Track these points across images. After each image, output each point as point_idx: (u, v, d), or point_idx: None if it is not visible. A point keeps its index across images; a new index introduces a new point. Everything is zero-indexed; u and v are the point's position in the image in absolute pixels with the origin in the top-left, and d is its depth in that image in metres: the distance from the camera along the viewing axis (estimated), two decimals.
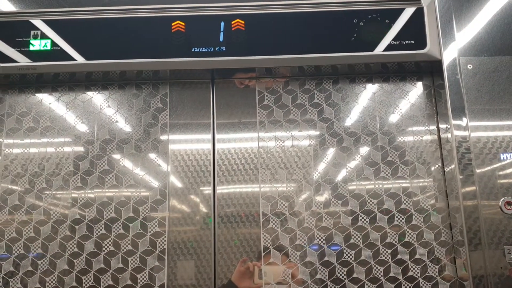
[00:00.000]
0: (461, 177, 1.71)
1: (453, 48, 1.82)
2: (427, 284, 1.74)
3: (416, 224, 1.80)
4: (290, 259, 1.78)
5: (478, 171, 1.70)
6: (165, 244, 1.80)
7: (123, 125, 1.94)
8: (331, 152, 1.89)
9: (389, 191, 1.84)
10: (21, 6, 1.95)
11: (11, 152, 1.91)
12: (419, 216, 1.81)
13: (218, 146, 1.91)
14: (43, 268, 1.79)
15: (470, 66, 1.80)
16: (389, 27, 1.84)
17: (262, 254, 1.79)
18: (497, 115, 1.75)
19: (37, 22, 1.87)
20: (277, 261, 1.78)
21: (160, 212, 1.83)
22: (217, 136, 1.92)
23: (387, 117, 1.92)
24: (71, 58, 1.84)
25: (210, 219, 1.82)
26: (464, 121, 1.74)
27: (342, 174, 1.86)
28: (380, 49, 1.83)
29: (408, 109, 1.92)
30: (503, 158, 1.72)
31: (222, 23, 1.84)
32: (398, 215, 1.81)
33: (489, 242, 1.64)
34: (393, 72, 1.95)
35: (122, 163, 1.89)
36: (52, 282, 1.78)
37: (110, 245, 1.80)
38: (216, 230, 1.82)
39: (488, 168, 1.70)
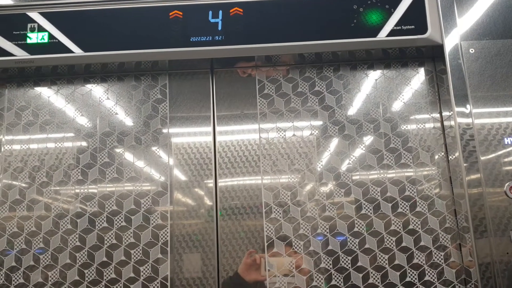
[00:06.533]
0: (465, 164, 1.69)
1: (455, 32, 1.80)
2: (432, 271, 1.73)
3: (420, 211, 1.78)
4: (294, 249, 1.76)
5: (482, 158, 1.68)
6: (167, 236, 1.79)
7: (123, 117, 1.92)
8: (333, 140, 1.87)
9: (393, 179, 1.82)
10: None
11: (11, 146, 1.90)
12: (423, 203, 1.79)
13: (219, 138, 1.89)
14: (45, 263, 1.78)
15: (472, 50, 1.78)
16: (389, 12, 1.82)
17: (266, 244, 1.77)
18: (500, 101, 1.73)
19: (34, 15, 1.85)
20: (281, 251, 1.76)
21: (162, 204, 1.82)
22: (217, 128, 1.90)
23: (389, 104, 1.90)
24: (69, 51, 1.82)
25: (215, 212, 1.80)
26: (467, 108, 1.72)
27: (345, 162, 1.85)
28: (380, 34, 1.81)
29: (411, 95, 1.90)
30: (507, 143, 1.70)
31: (220, 12, 1.82)
32: (402, 202, 1.79)
33: (495, 228, 1.63)
34: (394, 58, 1.93)
35: (123, 155, 1.88)
36: (54, 276, 1.77)
37: (112, 238, 1.79)
38: (219, 223, 1.80)
39: (493, 155, 1.69)
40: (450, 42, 1.79)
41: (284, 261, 1.76)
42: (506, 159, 1.68)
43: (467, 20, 1.81)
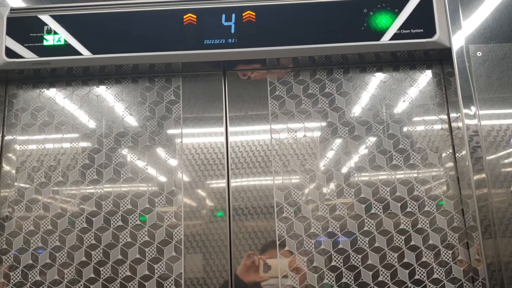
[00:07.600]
0: (472, 165, 1.72)
1: (462, 35, 1.83)
2: (441, 270, 1.76)
3: (428, 211, 1.82)
4: (300, 250, 1.79)
5: (489, 158, 1.71)
6: (181, 235, 1.82)
7: (137, 118, 1.96)
8: (343, 141, 1.91)
9: (402, 179, 1.85)
10: (34, 2, 1.97)
11: (26, 146, 1.93)
12: (432, 203, 1.82)
13: (231, 138, 1.93)
14: (61, 261, 1.81)
15: (479, 54, 1.81)
16: (398, 15, 1.85)
17: (277, 243, 1.80)
18: (507, 103, 1.76)
19: (50, 18, 1.88)
20: (293, 251, 1.79)
21: (176, 203, 1.85)
22: (230, 129, 1.94)
23: (398, 106, 1.93)
24: (84, 53, 1.85)
25: (227, 211, 1.84)
26: (473, 110, 1.76)
27: (355, 162, 1.88)
28: (389, 38, 1.84)
29: (419, 98, 1.94)
30: None
31: (233, 15, 1.86)
32: (411, 202, 1.83)
33: (501, 228, 1.66)
34: (402, 61, 1.97)
35: (137, 155, 1.91)
36: (70, 274, 1.80)
37: (127, 236, 1.82)
38: (231, 223, 1.83)
39: (499, 155, 1.72)
40: (458, 45, 1.83)
41: (285, 263, 1.78)
42: (510, 160, 1.72)
43: (474, 23, 1.84)
